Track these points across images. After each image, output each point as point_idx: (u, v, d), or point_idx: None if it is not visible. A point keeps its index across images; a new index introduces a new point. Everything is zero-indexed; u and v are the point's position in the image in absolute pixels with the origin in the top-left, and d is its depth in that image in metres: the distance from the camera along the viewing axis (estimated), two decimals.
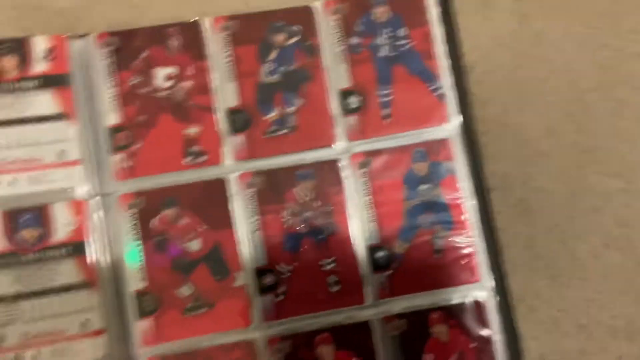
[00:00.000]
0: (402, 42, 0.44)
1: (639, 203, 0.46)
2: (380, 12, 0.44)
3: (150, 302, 0.41)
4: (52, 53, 0.41)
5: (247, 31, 0.44)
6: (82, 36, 0.43)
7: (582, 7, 0.47)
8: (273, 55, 0.44)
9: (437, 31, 0.45)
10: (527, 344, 0.45)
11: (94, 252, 0.41)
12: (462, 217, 0.43)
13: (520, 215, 0.45)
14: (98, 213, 0.41)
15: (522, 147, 0.46)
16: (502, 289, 0.43)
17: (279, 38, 0.44)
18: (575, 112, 0.46)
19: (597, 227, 0.46)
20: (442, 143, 0.44)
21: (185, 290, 0.41)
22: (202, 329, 0.41)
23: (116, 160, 0.42)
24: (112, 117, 0.42)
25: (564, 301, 0.45)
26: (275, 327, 0.42)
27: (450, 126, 0.44)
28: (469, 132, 0.44)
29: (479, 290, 0.43)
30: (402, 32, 0.44)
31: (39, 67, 0.41)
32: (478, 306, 0.43)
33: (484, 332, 0.43)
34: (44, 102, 0.41)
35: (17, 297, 0.39)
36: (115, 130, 0.42)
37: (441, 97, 0.44)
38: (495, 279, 0.43)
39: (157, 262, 0.41)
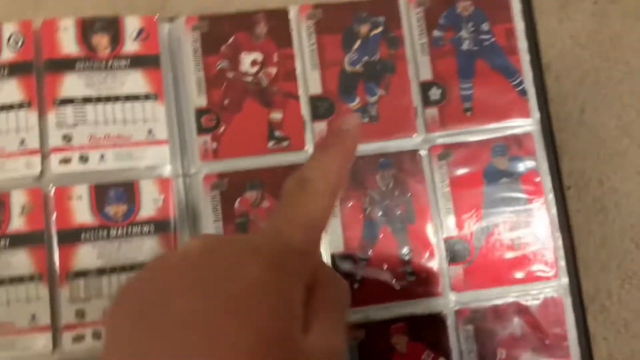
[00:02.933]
0: (485, 36, 0.45)
1: None
2: (464, 7, 0.45)
3: None
4: (143, 34, 0.42)
5: (332, 20, 0.44)
6: (171, 19, 0.43)
7: None
8: (357, 45, 0.44)
9: (520, 27, 0.45)
10: (597, 344, 0.44)
11: (178, 231, 0.41)
12: (542, 213, 0.43)
13: (595, 214, 0.45)
14: (183, 192, 0.42)
15: (598, 146, 0.46)
16: (576, 288, 0.43)
17: (363, 28, 0.44)
18: None
19: None
20: (523, 138, 0.44)
21: None
22: None
23: (201, 141, 0.42)
24: (199, 100, 0.42)
25: (636, 302, 0.45)
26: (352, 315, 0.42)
27: (531, 121, 0.44)
28: (547, 129, 0.45)
29: (555, 288, 0.43)
30: (485, 27, 0.45)
31: (130, 46, 0.42)
32: (552, 303, 0.43)
33: (558, 330, 0.42)
34: (134, 81, 0.42)
35: (101, 271, 0.40)
36: (202, 112, 0.42)
37: (522, 92, 0.44)
38: (570, 278, 0.43)
39: None
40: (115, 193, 0.40)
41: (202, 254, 0.23)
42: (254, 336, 0.21)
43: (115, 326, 0.23)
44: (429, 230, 0.43)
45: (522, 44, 0.45)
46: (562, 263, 0.43)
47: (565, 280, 0.43)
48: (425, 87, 0.44)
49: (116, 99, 0.41)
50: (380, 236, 0.43)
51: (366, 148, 0.43)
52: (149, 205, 0.40)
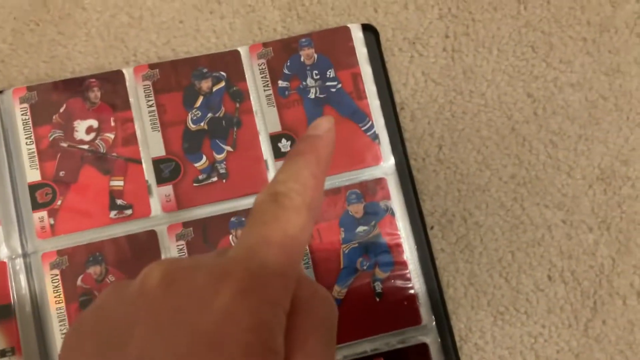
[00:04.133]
0: (331, 83, 0.44)
1: (580, 234, 0.45)
2: (307, 55, 0.44)
3: None
4: None
5: (170, 79, 0.43)
6: (0, 91, 0.41)
7: (512, 41, 0.47)
8: (199, 102, 0.43)
9: (367, 71, 0.44)
10: None
11: (18, 316, 0.39)
12: (403, 258, 0.42)
13: (461, 252, 0.45)
14: (21, 274, 0.39)
15: (459, 182, 0.45)
16: (446, 330, 0.42)
17: (205, 84, 0.43)
18: (510, 145, 0.46)
19: (540, 260, 0.45)
20: (377, 183, 0.43)
21: None
22: None
23: (37, 218, 0.40)
24: (32, 174, 0.40)
25: (510, 338, 0.44)
26: None
27: (385, 165, 0.43)
28: (404, 170, 0.44)
29: (423, 333, 0.42)
30: (330, 73, 0.44)
31: None
32: (422, 349, 0.42)
33: None
34: None
35: None
36: (36, 187, 0.40)
37: (374, 136, 0.43)
38: (439, 320, 0.42)
39: None
40: None
41: (162, 284, 0.20)
42: None
43: None
44: None
45: (372, 87, 0.44)
46: (429, 306, 0.42)
47: (432, 324, 0.42)
48: (274, 139, 0.43)
49: None
50: None
51: (215, 209, 0.42)
52: None
